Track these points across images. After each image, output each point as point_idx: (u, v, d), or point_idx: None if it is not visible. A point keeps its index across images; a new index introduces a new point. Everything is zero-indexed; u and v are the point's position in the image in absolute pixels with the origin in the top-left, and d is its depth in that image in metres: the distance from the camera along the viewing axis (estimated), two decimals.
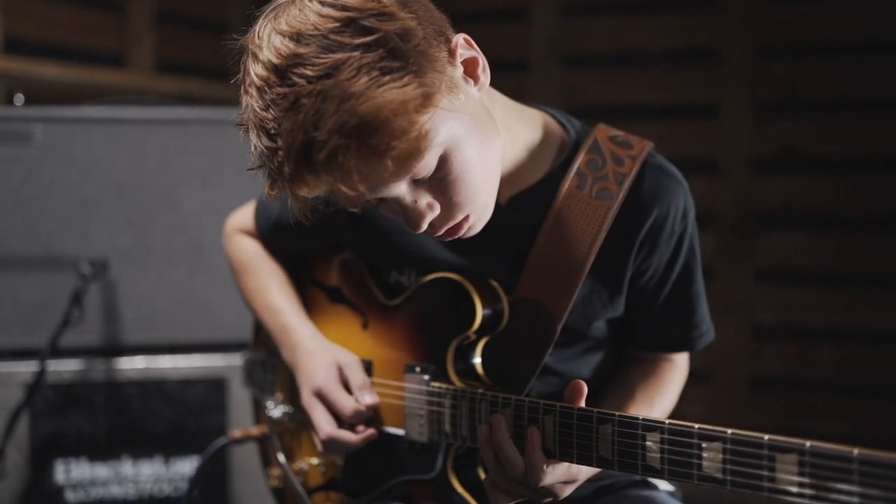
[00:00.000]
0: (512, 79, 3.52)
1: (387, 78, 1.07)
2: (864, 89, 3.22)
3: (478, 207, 1.23)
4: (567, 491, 1.29)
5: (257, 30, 1.15)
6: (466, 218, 1.23)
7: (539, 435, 1.24)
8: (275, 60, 1.10)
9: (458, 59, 1.18)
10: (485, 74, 1.22)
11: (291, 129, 1.08)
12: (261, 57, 1.12)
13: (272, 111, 1.10)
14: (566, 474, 1.26)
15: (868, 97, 3.22)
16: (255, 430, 1.76)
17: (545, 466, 1.23)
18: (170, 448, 2.32)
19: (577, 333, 1.43)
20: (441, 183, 1.18)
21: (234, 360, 2.35)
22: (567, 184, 1.36)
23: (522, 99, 1.45)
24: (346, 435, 1.44)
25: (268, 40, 1.12)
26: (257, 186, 2.37)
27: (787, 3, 3.31)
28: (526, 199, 1.38)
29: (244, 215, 1.70)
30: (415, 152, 1.10)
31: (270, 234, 1.64)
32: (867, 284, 3.26)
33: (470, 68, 1.20)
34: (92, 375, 2.29)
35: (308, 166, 1.09)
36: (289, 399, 1.67)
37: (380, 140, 1.07)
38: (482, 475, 1.39)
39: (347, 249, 1.59)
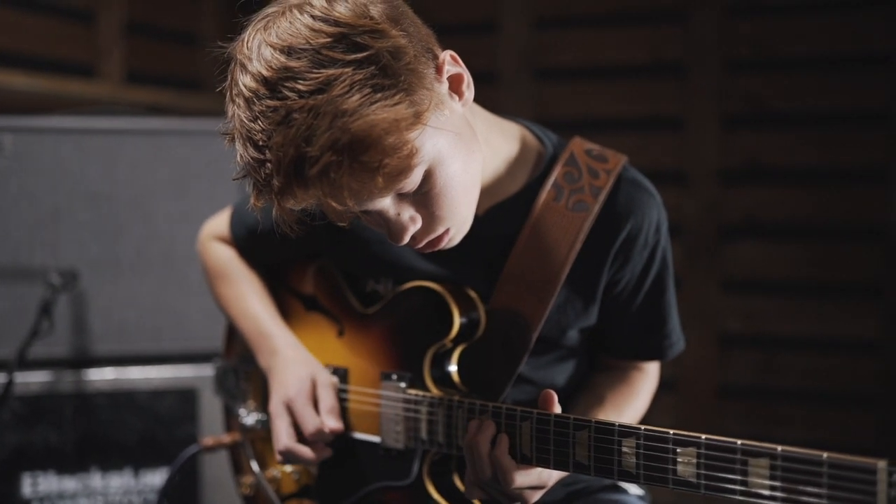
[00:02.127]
0: (483, 91, 3.50)
1: (378, 95, 1.08)
2: (828, 102, 3.28)
3: (458, 221, 1.25)
4: (536, 496, 1.31)
5: (246, 39, 1.15)
6: (447, 231, 1.25)
7: (507, 440, 1.25)
8: (265, 73, 1.10)
9: (445, 76, 1.20)
10: (469, 90, 1.24)
11: (282, 142, 1.08)
12: (250, 68, 1.12)
13: (261, 123, 1.10)
14: (538, 480, 1.28)
15: (832, 110, 3.28)
16: (226, 438, 1.76)
17: (515, 470, 1.25)
18: (139, 460, 2.30)
19: (551, 342, 1.45)
20: (424, 197, 1.20)
21: (205, 371, 2.34)
22: (544, 196, 1.38)
23: (494, 111, 1.47)
24: (303, 450, 1.46)
25: (257, 51, 1.12)
26: (229, 196, 2.39)
27: (753, 17, 3.37)
28: (503, 210, 1.40)
29: (219, 222, 1.70)
30: (405, 169, 1.12)
31: (246, 242, 1.64)
32: (830, 293, 3.31)
33: (455, 84, 1.22)
34: (60, 387, 2.26)
35: (298, 180, 1.09)
36: (262, 407, 1.67)
37: (371, 157, 1.08)
38: (457, 481, 1.40)
39: (323, 258, 1.59)
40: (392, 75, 1.10)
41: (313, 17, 1.12)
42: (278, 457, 1.48)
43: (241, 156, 1.15)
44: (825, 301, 3.31)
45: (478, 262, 1.41)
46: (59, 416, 2.26)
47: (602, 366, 1.56)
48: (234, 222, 1.66)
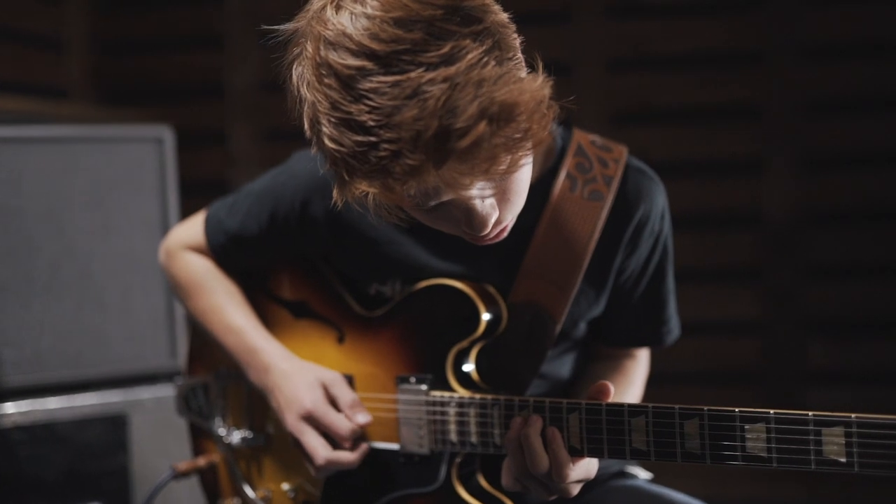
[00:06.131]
0: None
1: (504, 68, 1.05)
2: (709, 97, 3.45)
3: (517, 209, 1.21)
4: (577, 490, 1.29)
5: (326, 16, 1.08)
6: (511, 220, 1.21)
7: (560, 434, 1.24)
8: (374, 47, 1.03)
9: None
10: None
11: (419, 116, 1.01)
12: (346, 44, 1.04)
13: (371, 101, 1.02)
14: (585, 472, 1.27)
15: (710, 105, 3.46)
16: (201, 461, 1.65)
17: (570, 463, 1.23)
18: (66, 497, 2.12)
19: (563, 334, 1.44)
20: (503, 182, 1.16)
21: (133, 395, 2.19)
22: (559, 186, 1.38)
23: None
24: (345, 455, 1.39)
25: (352, 26, 1.05)
26: (148, 207, 2.25)
27: (634, 18, 3.50)
28: None
29: (189, 231, 1.59)
30: (545, 139, 1.09)
31: (224, 249, 1.54)
32: (714, 278, 3.49)
33: None
34: None
35: (438, 155, 1.02)
36: (247, 423, 1.58)
37: (519, 125, 1.04)
38: (482, 481, 1.37)
39: (310, 260, 1.52)
40: (507, 49, 1.09)
41: None
42: (316, 473, 1.39)
43: (337, 142, 1.05)
44: (709, 286, 3.49)
45: (493, 257, 1.38)
46: None
47: (595, 355, 1.56)
48: (210, 229, 1.55)
